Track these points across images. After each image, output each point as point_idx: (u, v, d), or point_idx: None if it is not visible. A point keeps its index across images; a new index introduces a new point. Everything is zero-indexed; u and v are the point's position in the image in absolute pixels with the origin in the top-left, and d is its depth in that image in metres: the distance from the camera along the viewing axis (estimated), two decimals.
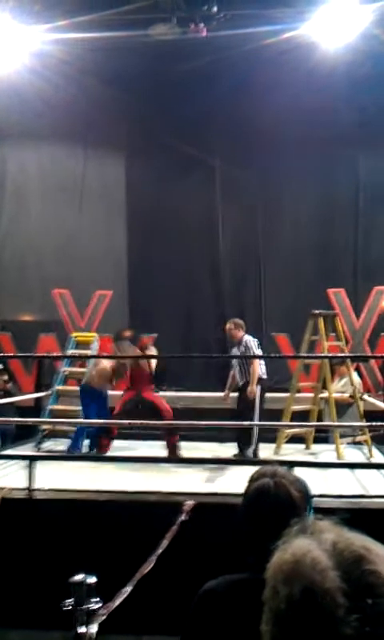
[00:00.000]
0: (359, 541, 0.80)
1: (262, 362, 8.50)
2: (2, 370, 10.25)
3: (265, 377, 8.47)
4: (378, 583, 0.73)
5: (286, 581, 0.77)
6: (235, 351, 8.63)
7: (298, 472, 2.43)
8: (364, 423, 8.03)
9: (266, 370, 8.52)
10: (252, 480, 1.98)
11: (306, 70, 10.16)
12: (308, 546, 0.79)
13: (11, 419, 8.77)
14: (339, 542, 0.79)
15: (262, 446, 8.36)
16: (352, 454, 8.24)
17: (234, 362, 8.58)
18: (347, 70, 10.33)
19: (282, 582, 0.77)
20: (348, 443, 8.40)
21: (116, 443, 8.42)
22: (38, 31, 9.48)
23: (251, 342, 8.48)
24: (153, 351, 8.92)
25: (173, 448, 7.97)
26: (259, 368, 8.31)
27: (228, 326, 8.78)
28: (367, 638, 0.70)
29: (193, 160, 12.34)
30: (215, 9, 9.44)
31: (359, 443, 8.52)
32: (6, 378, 10.25)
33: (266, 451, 8.24)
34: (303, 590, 0.74)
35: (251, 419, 7.96)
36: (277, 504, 1.87)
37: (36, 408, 9.37)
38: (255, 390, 8.20)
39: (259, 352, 8.68)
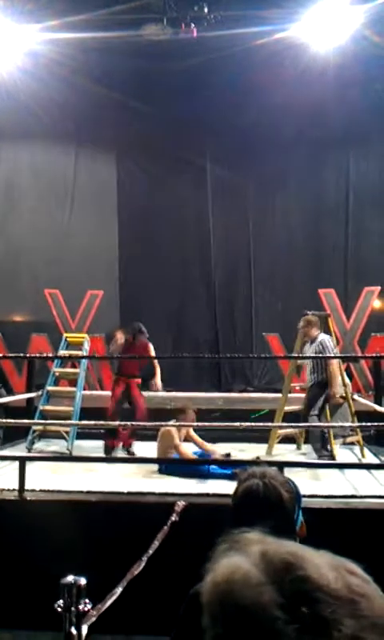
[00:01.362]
0: (286, 548, 0.77)
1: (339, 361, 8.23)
2: None
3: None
4: (310, 589, 0.71)
5: (221, 603, 0.74)
6: (307, 349, 8.17)
7: (288, 472, 2.45)
8: (355, 424, 8.04)
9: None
10: (241, 481, 1.99)
11: (296, 71, 10.19)
12: (237, 562, 0.76)
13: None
14: (267, 552, 0.77)
15: (254, 446, 8.37)
16: (344, 455, 8.26)
17: (308, 360, 8.18)
18: (338, 71, 10.36)
19: (217, 604, 0.75)
20: (341, 444, 8.41)
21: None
22: (30, 31, 9.48)
23: (327, 342, 8.02)
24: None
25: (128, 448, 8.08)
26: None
27: (300, 323, 8.29)
28: None
29: (184, 160, 12.37)
30: (206, 10, 9.47)
31: (351, 444, 8.54)
32: None
33: (258, 451, 8.25)
34: (239, 610, 0.72)
35: (318, 418, 7.78)
36: (266, 505, 1.87)
37: (27, 409, 9.34)
38: (339, 391, 7.93)
39: (336, 351, 8.32)
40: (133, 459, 7.92)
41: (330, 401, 8.00)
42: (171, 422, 7.41)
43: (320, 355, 7.95)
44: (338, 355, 8.07)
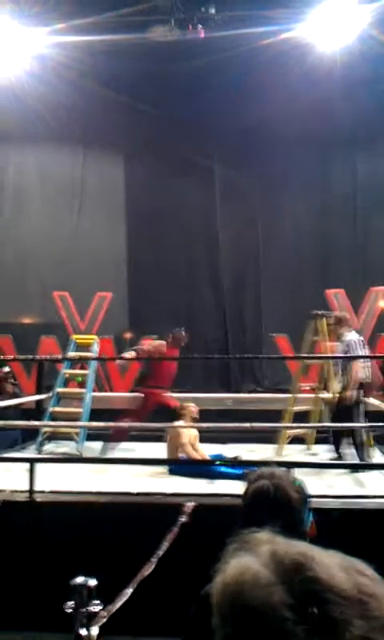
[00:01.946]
0: (295, 548, 0.77)
1: (367, 363, 7.96)
2: (8, 373, 10.23)
3: (368, 380, 7.94)
4: (319, 589, 0.71)
5: (231, 604, 0.74)
6: (338, 348, 7.99)
7: (298, 473, 2.44)
8: (365, 424, 8.01)
9: (369, 373, 7.99)
10: (250, 482, 1.99)
11: (303, 70, 10.17)
12: (246, 562, 0.76)
13: (16, 422, 8.76)
14: (276, 552, 0.76)
15: (264, 447, 8.36)
16: (353, 455, 8.24)
17: (337, 360, 7.99)
18: (344, 71, 10.33)
19: (227, 605, 0.75)
20: (348, 444, 8.39)
21: (118, 445, 8.44)
22: (38, 34, 9.51)
23: (354, 342, 7.80)
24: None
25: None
26: (362, 371, 7.70)
27: (328, 321, 8.19)
28: None
29: (191, 162, 12.37)
30: (213, 10, 9.47)
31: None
32: (13, 381, 10.25)
33: (267, 452, 8.24)
34: (249, 611, 0.72)
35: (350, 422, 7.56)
36: (275, 505, 1.87)
37: (37, 410, 9.37)
38: (352, 394, 7.65)
39: (365, 352, 8.01)
40: (142, 460, 7.93)
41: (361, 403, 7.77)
42: (179, 423, 7.43)
43: (320, 355, 7.96)
44: (341, 355, 7.92)
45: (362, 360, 7.74)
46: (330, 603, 0.70)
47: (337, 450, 7.89)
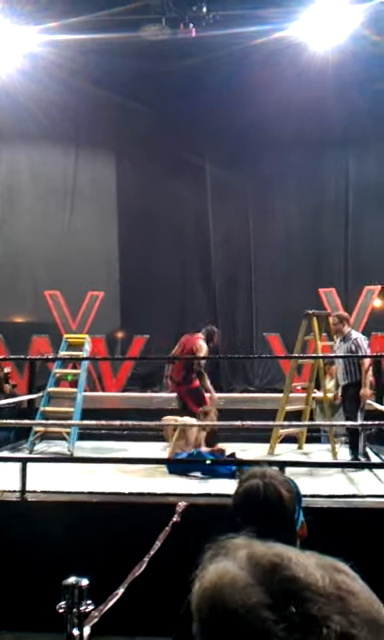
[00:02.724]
0: (272, 550, 0.77)
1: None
2: (8, 374, 10.19)
3: (371, 378, 7.88)
4: (297, 588, 0.72)
5: (210, 608, 0.75)
6: (338, 347, 7.80)
7: (289, 472, 2.44)
8: (357, 423, 8.01)
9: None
10: (242, 481, 1.99)
11: (295, 70, 10.19)
12: (224, 567, 0.77)
13: (7, 421, 8.74)
14: (253, 555, 0.77)
15: (255, 446, 8.36)
16: (344, 454, 8.25)
17: (340, 359, 7.73)
18: (337, 71, 10.36)
19: (207, 610, 0.75)
20: (342, 443, 8.40)
21: (109, 444, 8.44)
22: (29, 33, 9.48)
23: (361, 341, 7.60)
24: None
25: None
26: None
27: (331, 320, 7.93)
28: None
29: (183, 161, 12.38)
30: (204, 9, 9.46)
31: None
32: (12, 382, 10.22)
33: (259, 451, 8.24)
34: (228, 613, 0.72)
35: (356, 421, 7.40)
36: (267, 505, 1.87)
37: (29, 410, 9.34)
38: (368, 392, 7.53)
39: (369, 352, 7.89)
40: (133, 460, 7.91)
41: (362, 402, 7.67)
42: (191, 421, 7.50)
43: (313, 355, 7.92)
44: (339, 355, 7.93)
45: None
46: (309, 601, 0.70)
47: (356, 450, 7.59)
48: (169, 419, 7.77)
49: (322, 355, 8.35)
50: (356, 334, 7.71)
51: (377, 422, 7.57)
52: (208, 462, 7.02)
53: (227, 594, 0.73)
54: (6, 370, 10.15)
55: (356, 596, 0.72)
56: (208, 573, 0.77)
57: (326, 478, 6.59)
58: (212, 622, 0.74)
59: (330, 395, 8.33)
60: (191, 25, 9.63)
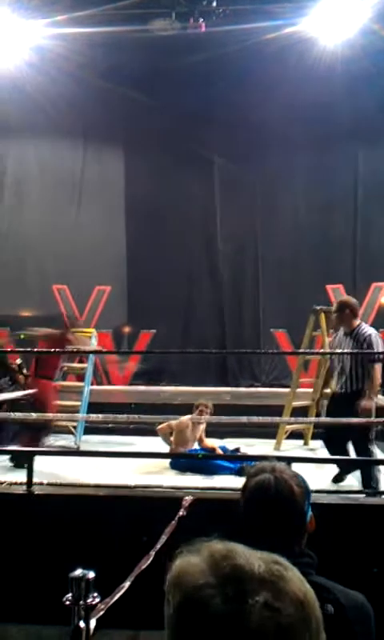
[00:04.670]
0: (228, 546, 0.97)
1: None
2: (21, 365, 10.15)
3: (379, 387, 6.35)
4: (238, 572, 0.91)
5: (173, 593, 0.96)
6: (340, 343, 6.38)
7: (295, 468, 2.44)
8: (362, 419, 7.98)
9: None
10: (251, 475, 1.99)
11: (305, 65, 10.16)
12: (189, 559, 0.97)
13: (15, 415, 8.73)
14: (210, 549, 0.97)
15: (262, 441, 8.35)
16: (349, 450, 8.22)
17: (342, 358, 6.26)
18: (346, 66, 10.33)
19: (171, 592, 0.97)
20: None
21: (115, 439, 8.45)
22: (37, 26, 9.47)
23: (376, 337, 6.10)
24: None
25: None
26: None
27: (334, 307, 6.49)
28: (239, 623, 0.86)
29: (191, 155, 12.36)
30: (214, 4, 9.45)
31: None
32: (25, 372, 10.19)
33: (265, 447, 8.24)
34: (184, 593, 0.93)
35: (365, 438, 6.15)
36: (278, 499, 1.87)
37: None
38: (371, 405, 6.09)
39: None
40: (140, 454, 7.92)
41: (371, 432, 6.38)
42: (188, 417, 7.46)
43: (321, 351, 7.81)
44: (339, 351, 7.29)
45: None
46: (243, 581, 0.89)
47: (370, 479, 6.09)
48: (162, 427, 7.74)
49: (329, 352, 8.32)
50: (368, 329, 6.16)
51: (382, 420, 7.45)
52: (201, 456, 7.04)
53: (185, 578, 0.95)
54: (18, 361, 10.14)
55: (285, 580, 0.91)
56: (177, 563, 0.99)
57: (331, 474, 6.58)
58: (173, 600, 0.96)
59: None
60: (201, 19, 9.61)
